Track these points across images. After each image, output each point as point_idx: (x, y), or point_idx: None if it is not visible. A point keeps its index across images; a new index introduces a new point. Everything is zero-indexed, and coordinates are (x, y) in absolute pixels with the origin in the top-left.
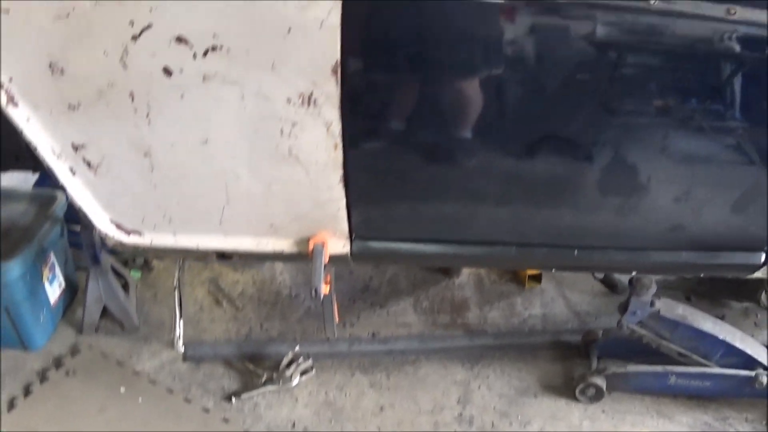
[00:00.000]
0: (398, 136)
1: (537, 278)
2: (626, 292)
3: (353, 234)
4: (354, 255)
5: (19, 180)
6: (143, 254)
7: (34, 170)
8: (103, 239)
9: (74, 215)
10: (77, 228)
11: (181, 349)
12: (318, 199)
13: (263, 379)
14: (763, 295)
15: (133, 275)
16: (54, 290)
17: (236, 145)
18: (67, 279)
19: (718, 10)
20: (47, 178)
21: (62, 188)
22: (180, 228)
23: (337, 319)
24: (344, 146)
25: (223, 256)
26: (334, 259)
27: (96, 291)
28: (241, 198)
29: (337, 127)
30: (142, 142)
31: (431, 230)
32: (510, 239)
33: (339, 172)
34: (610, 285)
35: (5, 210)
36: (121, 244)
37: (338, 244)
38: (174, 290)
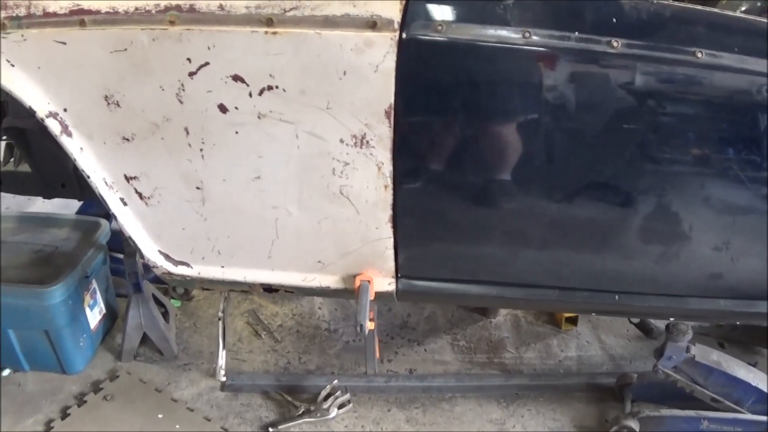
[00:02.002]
0: (447, 177)
1: (573, 321)
2: (661, 337)
3: (399, 273)
4: (399, 293)
5: (62, 206)
6: (190, 285)
7: (81, 198)
8: (151, 269)
9: (116, 243)
10: (119, 256)
11: (223, 378)
12: (366, 238)
13: (301, 410)
14: None
15: (174, 304)
16: (94, 316)
17: (288, 182)
18: (108, 305)
19: (763, 65)
20: (91, 206)
21: (113, 217)
22: (228, 261)
23: (377, 355)
24: (394, 187)
25: (269, 289)
26: (379, 297)
27: (136, 318)
28: (290, 234)
29: (388, 168)
30: (194, 175)
31: (475, 271)
32: (552, 282)
33: (388, 212)
34: (645, 330)
35: (49, 235)
36: (169, 275)
37: (384, 282)
38: (218, 321)
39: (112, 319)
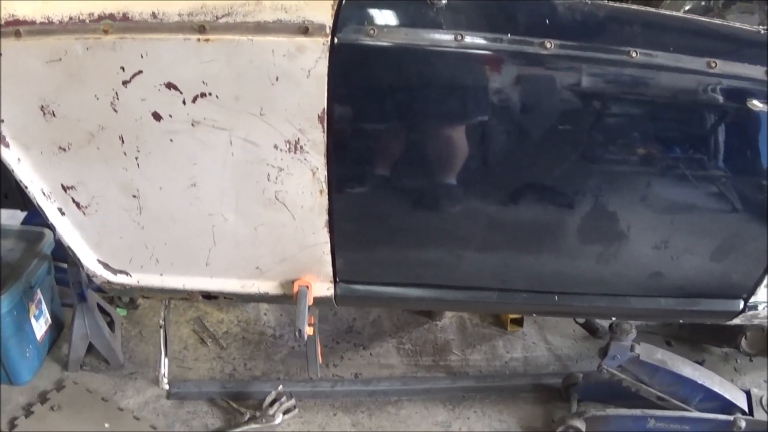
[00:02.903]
0: (383, 182)
1: (519, 322)
2: (607, 336)
3: (337, 277)
4: (338, 298)
5: (7, 217)
6: (130, 294)
7: (23, 209)
8: (90, 278)
9: (61, 253)
10: (64, 265)
11: (166, 386)
12: (303, 243)
13: (246, 417)
14: (743, 341)
15: (119, 313)
16: (40, 326)
17: (223, 189)
18: (54, 315)
19: (699, 64)
20: (35, 216)
21: (51, 227)
22: (167, 269)
23: (320, 359)
24: (330, 192)
25: (209, 296)
26: (318, 302)
27: (82, 328)
28: (227, 240)
29: (322, 173)
30: (130, 184)
31: (414, 275)
32: (492, 284)
33: (324, 217)
34: (591, 329)
35: None
36: (109, 284)
37: (322, 287)
38: (160, 329)
39: (58, 329)
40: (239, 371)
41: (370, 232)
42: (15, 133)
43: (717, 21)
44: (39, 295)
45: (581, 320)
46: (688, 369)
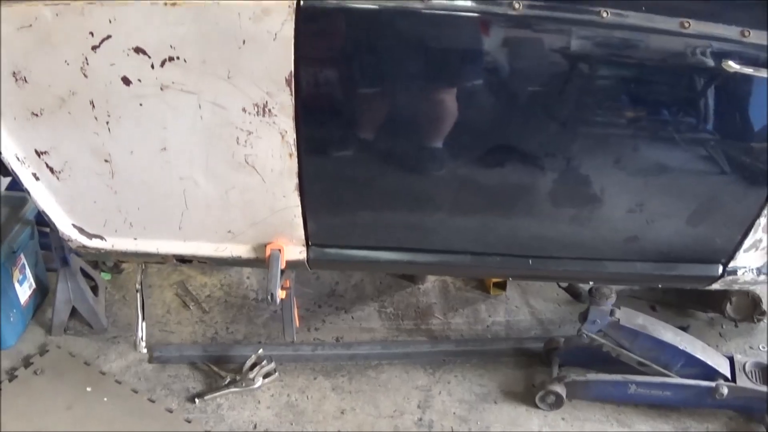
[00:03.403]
0: (351, 145)
1: (502, 286)
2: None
3: (309, 241)
4: (310, 261)
5: None
6: (105, 258)
7: (5, 175)
8: (66, 242)
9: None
10: (47, 230)
11: (144, 350)
12: (274, 207)
13: (227, 380)
14: (728, 306)
15: (103, 277)
16: (24, 291)
17: (193, 153)
18: (38, 280)
19: (672, 24)
20: None
21: (26, 192)
22: (141, 233)
23: (297, 323)
24: (299, 155)
25: (183, 260)
26: (291, 265)
27: (65, 292)
28: (199, 204)
29: (291, 136)
30: (102, 148)
31: (386, 238)
32: (465, 248)
33: (294, 180)
34: (574, 294)
35: None
36: (84, 248)
37: (295, 250)
38: (136, 293)
39: (43, 294)
40: (221, 335)
41: (340, 195)
42: None
43: None
44: (22, 260)
45: (564, 284)
46: (669, 334)
